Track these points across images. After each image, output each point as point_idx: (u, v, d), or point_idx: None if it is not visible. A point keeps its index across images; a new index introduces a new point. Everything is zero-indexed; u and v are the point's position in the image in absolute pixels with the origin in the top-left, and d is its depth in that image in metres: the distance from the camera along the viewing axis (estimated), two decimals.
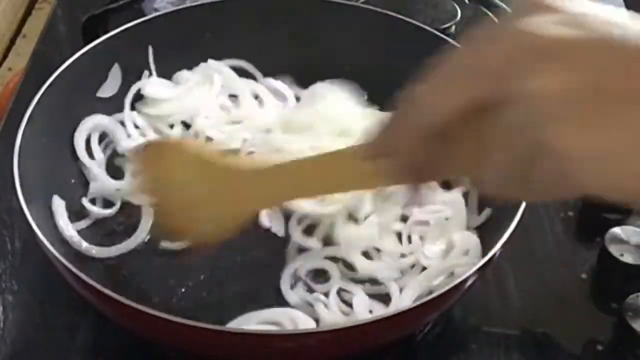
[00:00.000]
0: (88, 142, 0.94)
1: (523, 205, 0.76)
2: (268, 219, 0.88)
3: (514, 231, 0.75)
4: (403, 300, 0.80)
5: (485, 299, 0.86)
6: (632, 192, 0.49)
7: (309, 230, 0.88)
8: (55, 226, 0.85)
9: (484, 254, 0.75)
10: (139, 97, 0.99)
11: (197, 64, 1.03)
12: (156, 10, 1.14)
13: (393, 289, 0.82)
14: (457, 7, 1.17)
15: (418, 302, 0.72)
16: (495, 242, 0.75)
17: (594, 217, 0.94)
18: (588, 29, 0.48)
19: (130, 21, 0.99)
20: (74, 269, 0.72)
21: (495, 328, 0.84)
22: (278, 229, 0.88)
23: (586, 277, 0.89)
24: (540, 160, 0.48)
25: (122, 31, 0.98)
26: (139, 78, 1.00)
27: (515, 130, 0.49)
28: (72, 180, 0.92)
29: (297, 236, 0.87)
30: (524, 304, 0.86)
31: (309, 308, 0.80)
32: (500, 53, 0.49)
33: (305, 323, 0.78)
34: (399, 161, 0.56)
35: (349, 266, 0.85)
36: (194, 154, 0.76)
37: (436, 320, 0.83)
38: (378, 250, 0.86)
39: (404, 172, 0.57)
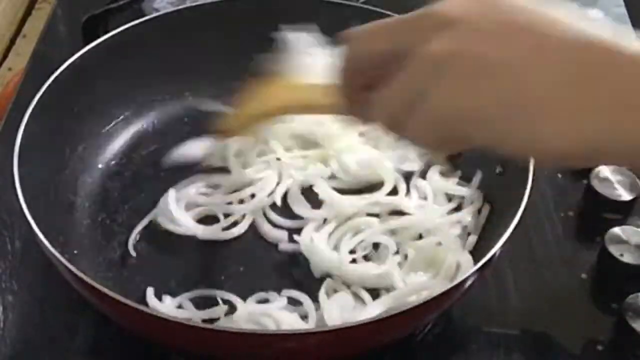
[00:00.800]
0: None
1: (523, 205, 0.77)
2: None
3: (513, 231, 0.75)
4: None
5: (485, 299, 0.86)
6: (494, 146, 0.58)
7: None
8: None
9: (483, 255, 0.75)
10: None
11: (196, 64, 1.03)
12: (156, 10, 1.14)
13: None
14: None
15: (418, 302, 0.72)
16: (495, 242, 0.75)
17: (594, 217, 0.94)
18: (491, 12, 0.56)
19: (130, 21, 1.00)
20: (73, 269, 0.72)
21: (495, 328, 0.84)
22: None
23: (586, 277, 0.89)
24: (420, 105, 0.57)
25: (122, 31, 0.98)
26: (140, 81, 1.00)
27: (406, 76, 0.58)
28: (73, 180, 0.92)
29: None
30: (523, 304, 0.86)
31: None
32: (414, 18, 0.59)
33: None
34: (341, 92, 0.66)
35: None
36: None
37: (436, 320, 0.83)
38: None
39: (344, 102, 0.67)
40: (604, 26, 0.55)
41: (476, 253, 0.83)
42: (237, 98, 0.85)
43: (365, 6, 1.07)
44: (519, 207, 0.77)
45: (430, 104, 0.57)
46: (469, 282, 0.74)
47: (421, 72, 0.57)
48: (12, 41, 1.36)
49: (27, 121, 0.84)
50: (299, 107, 0.82)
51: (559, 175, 0.99)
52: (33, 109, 0.86)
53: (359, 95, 0.64)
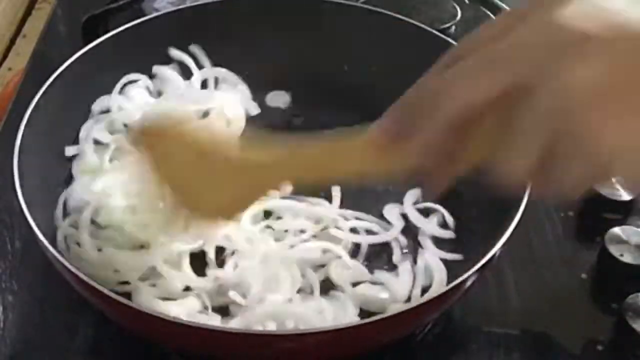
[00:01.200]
0: None
1: (523, 205, 0.76)
2: None
3: (513, 231, 0.75)
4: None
5: (485, 299, 0.86)
6: None
7: None
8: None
9: (483, 254, 0.75)
10: None
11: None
12: (156, 10, 1.14)
13: None
14: (457, 7, 1.17)
15: (418, 302, 0.72)
16: (495, 242, 0.75)
17: (594, 217, 0.94)
18: (617, 23, 0.48)
19: (130, 21, 0.99)
20: (73, 269, 0.72)
21: (495, 328, 0.84)
22: None
23: (586, 277, 0.89)
24: (566, 148, 0.48)
25: (122, 31, 0.98)
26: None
27: (546, 116, 0.49)
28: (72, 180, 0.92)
29: None
30: (524, 304, 0.86)
31: None
32: (533, 43, 0.49)
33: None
34: (421, 149, 0.55)
35: None
36: (192, 138, 0.74)
37: (436, 320, 0.83)
38: None
39: (426, 159, 0.56)
40: None
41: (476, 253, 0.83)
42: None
43: (365, 6, 1.07)
44: (519, 207, 0.77)
45: (584, 144, 0.48)
46: (468, 282, 0.74)
47: (562, 109, 0.48)
48: (12, 41, 1.36)
49: (27, 121, 0.84)
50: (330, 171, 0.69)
51: None
52: (33, 109, 0.85)
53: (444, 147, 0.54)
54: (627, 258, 0.86)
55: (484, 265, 0.73)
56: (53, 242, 0.75)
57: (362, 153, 0.62)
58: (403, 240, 0.88)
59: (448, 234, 0.89)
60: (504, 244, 0.74)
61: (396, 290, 0.82)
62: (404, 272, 0.84)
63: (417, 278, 0.84)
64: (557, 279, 0.89)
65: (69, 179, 0.91)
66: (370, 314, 0.80)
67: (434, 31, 0.98)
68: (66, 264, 0.72)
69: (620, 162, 0.48)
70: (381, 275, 0.84)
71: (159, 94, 1.00)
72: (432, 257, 0.86)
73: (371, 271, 0.85)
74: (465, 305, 0.84)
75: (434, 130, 0.53)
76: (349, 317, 0.80)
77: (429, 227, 0.89)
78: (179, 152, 0.72)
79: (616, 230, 0.88)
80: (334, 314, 0.80)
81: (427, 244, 0.88)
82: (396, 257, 0.87)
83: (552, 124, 0.49)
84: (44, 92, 0.88)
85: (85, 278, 0.71)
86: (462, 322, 0.85)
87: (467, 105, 0.51)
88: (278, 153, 0.69)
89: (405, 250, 0.88)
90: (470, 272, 0.73)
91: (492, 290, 0.87)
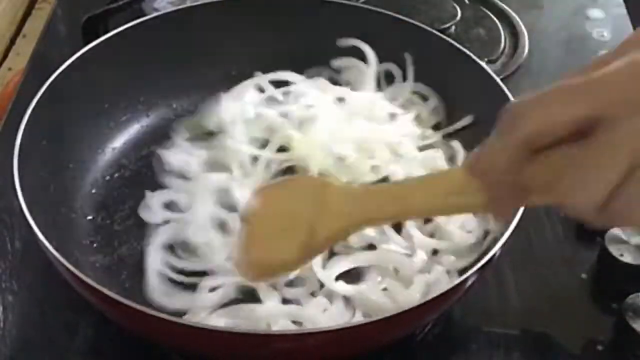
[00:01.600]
0: None
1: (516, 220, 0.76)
2: None
3: (513, 231, 0.75)
4: None
5: (485, 299, 0.86)
6: None
7: None
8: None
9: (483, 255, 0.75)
10: None
11: (196, 64, 1.03)
12: (156, 10, 1.14)
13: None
14: (457, 7, 1.17)
15: (418, 303, 0.72)
16: (495, 242, 0.75)
17: None
18: None
19: (130, 21, 0.99)
20: (73, 269, 0.72)
21: (495, 328, 0.84)
22: None
23: (586, 277, 0.89)
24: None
25: (122, 31, 0.98)
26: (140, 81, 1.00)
27: (624, 152, 0.48)
28: (73, 180, 0.92)
29: None
30: (524, 304, 0.86)
31: None
32: (618, 79, 0.49)
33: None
34: (495, 180, 0.55)
35: None
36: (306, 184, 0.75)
37: (436, 320, 0.83)
38: None
39: (500, 192, 0.56)
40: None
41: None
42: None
43: (365, 6, 1.07)
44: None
45: None
46: (469, 282, 0.74)
47: None
48: (12, 41, 1.36)
49: (27, 121, 0.84)
50: (409, 214, 0.72)
51: None
52: (33, 109, 0.86)
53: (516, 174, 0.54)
54: (627, 258, 0.86)
55: (484, 265, 0.73)
56: (53, 242, 0.75)
57: (455, 188, 0.61)
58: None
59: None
60: (504, 244, 0.74)
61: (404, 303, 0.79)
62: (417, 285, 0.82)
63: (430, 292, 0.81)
64: (557, 279, 0.89)
65: (68, 179, 0.91)
66: None
67: (434, 31, 0.98)
68: (66, 263, 0.73)
69: None
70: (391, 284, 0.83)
71: None
72: (444, 275, 0.83)
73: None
74: (465, 305, 0.84)
75: (503, 148, 0.53)
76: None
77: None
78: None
79: (616, 230, 0.88)
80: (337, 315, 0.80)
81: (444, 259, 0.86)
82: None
83: (630, 160, 0.49)
84: (44, 92, 0.88)
85: (85, 278, 0.71)
86: (462, 322, 0.85)
87: (540, 128, 0.51)
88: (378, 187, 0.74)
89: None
90: (470, 272, 0.73)
91: (492, 290, 0.87)
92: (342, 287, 0.82)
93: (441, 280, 0.82)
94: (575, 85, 0.50)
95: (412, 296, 0.81)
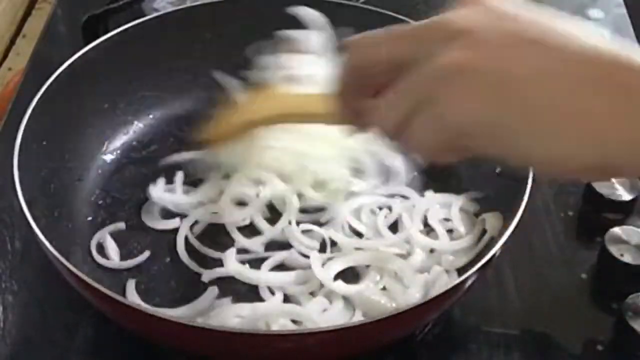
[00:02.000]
0: None
1: (523, 205, 0.77)
2: None
3: (513, 231, 0.75)
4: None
5: (485, 299, 0.86)
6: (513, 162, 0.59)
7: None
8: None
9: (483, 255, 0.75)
10: None
11: (196, 64, 1.03)
12: (156, 10, 1.15)
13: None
14: None
15: (418, 302, 0.72)
16: (495, 242, 0.75)
17: (594, 217, 0.94)
18: (500, 24, 0.57)
19: (130, 21, 1.00)
20: (73, 269, 0.72)
21: (495, 328, 0.84)
22: None
23: (586, 277, 0.89)
24: (428, 112, 0.58)
25: (122, 31, 0.98)
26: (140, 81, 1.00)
27: (415, 83, 0.58)
28: (73, 180, 0.92)
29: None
30: (524, 304, 0.86)
31: None
32: (424, 27, 0.59)
33: None
34: (340, 99, 0.66)
35: None
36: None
37: (436, 320, 0.83)
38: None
39: (342, 109, 0.67)
40: (610, 39, 0.56)
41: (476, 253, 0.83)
42: (226, 105, 0.86)
43: (365, 6, 1.07)
44: (518, 207, 0.77)
45: (439, 111, 0.57)
46: (469, 282, 0.74)
47: (432, 79, 0.57)
48: (12, 41, 1.36)
49: (27, 121, 0.84)
50: (292, 115, 0.82)
51: None
52: (33, 109, 0.86)
53: (357, 102, 0.64)
54: (627, 258, 0.86)
55: (484, 265, 0.74)
56: (53, 242, 0.75)
57: (321, 101, 0.72)
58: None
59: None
60: (504, 244, 0.75)
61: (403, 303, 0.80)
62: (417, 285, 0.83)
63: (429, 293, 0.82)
64: (557, 279, 0.89)
65: (68, 179, 0.91)
66: None
67: None
68: (66, 263, 0.73)
69: (479, 136, 0.57)
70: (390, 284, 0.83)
71: None
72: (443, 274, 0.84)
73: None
74: (465, 305, 0.84)
75: (343, 78, 0.65)
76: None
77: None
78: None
79: (616, 230, 0.88)
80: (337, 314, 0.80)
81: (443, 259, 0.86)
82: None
83: (422, 90, 0.58)
84: (44, 92, 0.88)
85: (84, 278, 0.71)
86: (462, 322, 0.85)
87: (368, 59, 0.62)
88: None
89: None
90: (470, 272, 0.73)
91: (492, 290, 0.87)
92: (341, 286, 0.82)
93: (440, 280, 0.82)
94: (388, 32, 0.62)
95: (412, 296, 0.81)
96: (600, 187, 0.94)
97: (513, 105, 0.55)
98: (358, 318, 0.79)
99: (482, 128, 0.56)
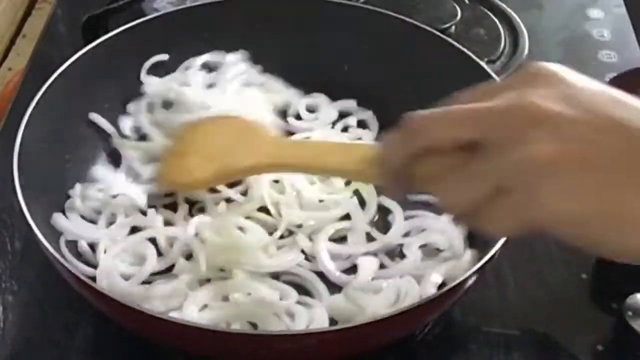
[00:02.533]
0: None
1: None
2: None
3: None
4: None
5: (485, 299, 0.86)
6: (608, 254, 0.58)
7: None
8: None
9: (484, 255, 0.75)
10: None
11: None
12: (156, 10, 1.15)
13: None
14: (457, 7, 1.17)
15: (418, 303, 0.72)
16: (495, 243, 0.75)
17: None
18: (581, 107, 0.55)
19: (130, 21, 1.00)
20: (73, 269, 0.72)
21: (495, 328, 0.84)
22: None
23: (586, 277, 0.89)
24: (509, 197, 0.55)
25: (122, 31, 0.98)
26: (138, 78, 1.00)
27: (496, 170, 0.56)
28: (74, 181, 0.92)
29: None
30: (524, 304, 0.86)
31: None
32: (505, 110, 0.56)
33: None
34: (389, 170, 0.63)
35: None
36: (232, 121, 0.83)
37: (436, 320, 0.83)
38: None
39: (391, 180, 0.64)
40: None
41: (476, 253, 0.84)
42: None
43: (365, 6, 1.07)
44: None
45: (525, 202, 0.55)
46: (469, 283, 0.74)
47: (519, 169, 0.55)
48: (12, 41, 1.36)
49: (27, 121, 0.84)
50: (323, 169, 0.78)
51: None
52: (33, 109, 0.86)
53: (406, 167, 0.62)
54: None
55: (483, 264, 0.74)
56: (53, 243, 0.75)
57: (355, 161, 0.70)
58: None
59: None
60: (504, 244, 0.75)
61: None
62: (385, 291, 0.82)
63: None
64: (557, 279, 0.89)
65: (68, 179, 0.91)
66: None
67: (434, 31, 0.98)
68: (66, 264, 0.73)
69: (564, 227, 0.55)
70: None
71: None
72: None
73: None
74: (465, 305, 0.84)
75: (399, 153, 0.62)
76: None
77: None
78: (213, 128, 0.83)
79: None
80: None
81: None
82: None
83: (493, 184, 0.56)
84: (44, 92, 0.88)
85: (84, 278, 0.72)
86: (462, 322, 0.85)
87: (432, 144, 0.60)
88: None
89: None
90: (469, 272, 0.73)
91: (492, 290, 0.87)
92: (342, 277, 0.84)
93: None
94: (464, 111, 0.58)
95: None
96: None
97: (610, 202, 0.54)
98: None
99: (572, 226, 0.54)
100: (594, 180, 0.53)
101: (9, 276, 0.87)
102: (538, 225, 0.55)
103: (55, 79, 0.90)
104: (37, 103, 0.86)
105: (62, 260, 0.73)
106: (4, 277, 0.87)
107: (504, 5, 1.23)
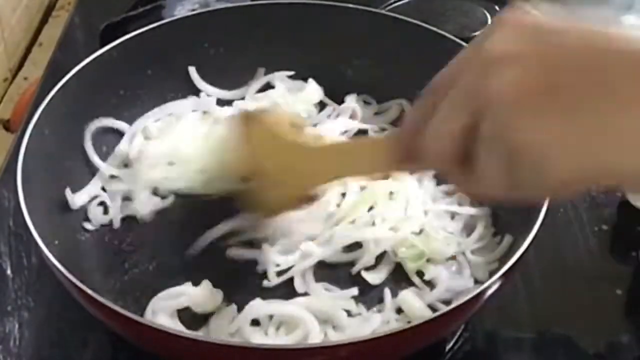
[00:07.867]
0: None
1: (540, 219, 0.78)
2: None
3: (531, 243, 0.76)
4: None
5: (515, 311, 0.88)
6: (598, 178, 0.59)
7: None
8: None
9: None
10: None
11: (205, 69, 1.06)
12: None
13: None
14: (486, 13, 1.19)
15: (437, 313, 0.75)
16: (517, 248, 0.77)
17: (629, 231, 0.96)
18: (542, 39, 0.57)
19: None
20: (79, 283, 0.75)
21: (526, 341, 0.87)
22: None
23: (621, 293, 0.90)
24: (518, 161, 0.57)
25: (133, 37, 1.01)
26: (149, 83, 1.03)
27: (491, 140, 0.58)
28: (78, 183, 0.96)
29: None
30: (555, 321, 0.88)
31: None
32: (462, 68, 0.61)
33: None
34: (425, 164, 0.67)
35: None
36: (273, 129, 0.84)
37: (462, 330, 0.85)
38: None
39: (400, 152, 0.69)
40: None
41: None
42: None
43: (391, 14, 1.10)
44: (535, 221, 0.78)
45: (522, 148, 0.57)
46: (490, 291, 0.76)
47: (500, 120, 0.57)
48: (29, 49, 1.37)
49: (33, 126, 0.89)
50: (350, 170, 0.82)
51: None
52: (40, 114, 0.90)
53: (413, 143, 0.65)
54: None
55: (506, 272, 0.75)
56: (52, 251, 0.78)
57: (384, 153, 0.73)
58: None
59: None
60: (524, 251, 0.76)
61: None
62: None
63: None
64: (592, 295, 0.90)
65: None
66: None
67: (459, 41, 0.99)
68: (72, 278, 0.75)
69: (553, 163, 0.56)
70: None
71: None
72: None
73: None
74: (494, 315, 0.87)
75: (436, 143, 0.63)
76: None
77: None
78: (267, 137, 0.84)
79: None
80: None
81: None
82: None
83: (496, 146, 0.58)
84: (52, 98, 0.92)
85: (91, 293, 0.74)
86: (492, 332, 0.87)
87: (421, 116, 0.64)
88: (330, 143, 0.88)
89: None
90: (493, 279, 0.75)
91: (522, 303, 0.89)
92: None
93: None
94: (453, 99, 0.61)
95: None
96: (636, 200, 0.95)
97: (583, 124, 0.55)
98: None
99: (553, 151, 0.56)
100: (560, 105, 0.55)
101: (25, 292, 0.90)
102: (521, 162, 0.57)
103: (64, 84, 0.93)
104: (44, 109, 0.91)
105: (67, 273, 0.76)
106: (20, 293, 0.90)
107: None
